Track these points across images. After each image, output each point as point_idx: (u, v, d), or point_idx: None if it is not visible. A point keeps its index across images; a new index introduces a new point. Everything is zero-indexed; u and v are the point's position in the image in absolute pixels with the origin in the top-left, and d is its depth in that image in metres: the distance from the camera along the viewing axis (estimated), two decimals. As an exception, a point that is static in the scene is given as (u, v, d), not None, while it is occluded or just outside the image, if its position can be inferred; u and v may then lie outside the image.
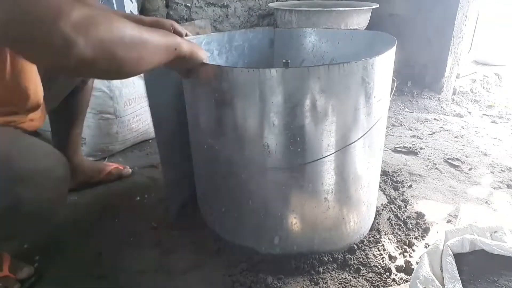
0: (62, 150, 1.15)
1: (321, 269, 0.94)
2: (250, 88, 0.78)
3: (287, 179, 0.87)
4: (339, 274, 0.94)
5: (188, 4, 2.29)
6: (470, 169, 1.51)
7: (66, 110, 1.20)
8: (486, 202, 1.29)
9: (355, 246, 1.01)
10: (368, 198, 1.01)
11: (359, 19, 2.14)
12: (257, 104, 0.80)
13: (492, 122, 2.06)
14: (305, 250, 0.96)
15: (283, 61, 1.07)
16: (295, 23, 2.16)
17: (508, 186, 1.39)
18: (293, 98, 0.78)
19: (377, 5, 2.17)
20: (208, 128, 0.91)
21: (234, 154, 0.88)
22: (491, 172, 1.49)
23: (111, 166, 1.41)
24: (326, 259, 0.96)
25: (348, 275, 0.94)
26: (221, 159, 0.91)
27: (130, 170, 1.43)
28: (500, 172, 1.49)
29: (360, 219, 1.01)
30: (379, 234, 1.08)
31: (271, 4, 2.32)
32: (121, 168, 1.42)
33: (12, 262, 0.95)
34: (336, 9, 2.05)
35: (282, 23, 2.27)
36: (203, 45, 1.09)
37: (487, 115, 2.18)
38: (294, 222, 0.93)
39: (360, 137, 0.86)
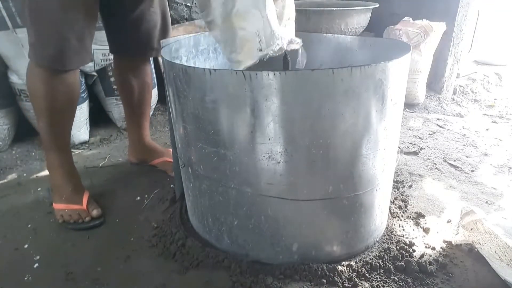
0: (129, 124, 1.45)
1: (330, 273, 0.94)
2: (272, 92, 0.76)
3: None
4: (341, 278, 0.94)
5: (189, 4, 2.28)
6: (471, 169, 1.51)
7: (129, 88, 1.35)
8: (487, 202, 1.29)
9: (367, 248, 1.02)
10: (382, 200, 1.01)
11: (359, 19, 2.13)
12: (278, 108, 0.78)
13: (492, 122, 2.06)
14: (318, 254, 0.96)
15: (283, 57, 1.07)
16: (295, 23, 2.16)
17: (509, 186, 1.39)
18: (315, 100, 0.77)
19: (377, 5, 2.17)
20: (219, 136, 0.86)
21: (250, 165, 0.85)
22: (491, 172, 1.49)
23: (164, 159, 1.46)
24: (334, 265, 0.96)
25: (350, 277, 0.94)
26: (236, 171, 0.87)
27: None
28: (500, 172, 1.49)
29: (372, 222, 1.01)
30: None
31: (271, 4, 2.31)
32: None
33: (89, 200, 1.20)
34: (336, 9, 2.05)
35: (282, 23, 2.27)
36: (173, 53, 1.06)
37: (487, 115, 2.18)
38: (313, 228, 0.93)
39: (379, 140, 0.86)
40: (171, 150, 1.33)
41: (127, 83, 1.34)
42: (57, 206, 1.18)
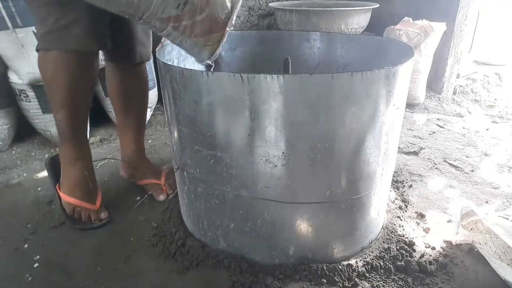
0: (122, 137, 1.38)
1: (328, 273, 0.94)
2: (270, 95, 0.75)
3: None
4: (341, 277, 0.94)
5: (188, 4, 2.28)
6: (471, 169, 1.51)
7: (117, 93, 1.28)
8: (487, 202, 1.29)
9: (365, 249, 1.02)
10: (379, 203, 1.01)
11: (360, 19, 2.14)
12: (276, 112, 0.76)
13: (492, 122, 2.06)
14: (315, 257, 0.96)
15: (284, 60, 1.07)
16: (295, 23, 2.16)
17: (509, 186, 1.39)
18: (314, 104, 0.76)
19: (377, 5, 2.17)
20: (215, 139, 0.85)
21: (247, 168, 0.84)
22: (491, 172, 1.49)
23: (152, 181, 1.33)
24: (332, 265, 0.96)
25: (350, 276, 0.94)
26: (233, 174, 0.86)
27: (162, 198, 1.30)
28: (500, 172, 1.49)
29: (368, 225, 1.01)
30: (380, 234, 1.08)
31: (271, 4, 2.32)
32: (160, 189, 1.31)
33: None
34: (336, 9, 2.05)
35: (282, 23, 2.27)
36: (167, 55, 1.05)
37: (487, 115, 2.18)
38: (310, 231, 0.92)
39: (378, 145, 0.86)
40: (165, 172, 1.35)
41: (122, 91, 1.27)
42: (68, 199, 1.15)
